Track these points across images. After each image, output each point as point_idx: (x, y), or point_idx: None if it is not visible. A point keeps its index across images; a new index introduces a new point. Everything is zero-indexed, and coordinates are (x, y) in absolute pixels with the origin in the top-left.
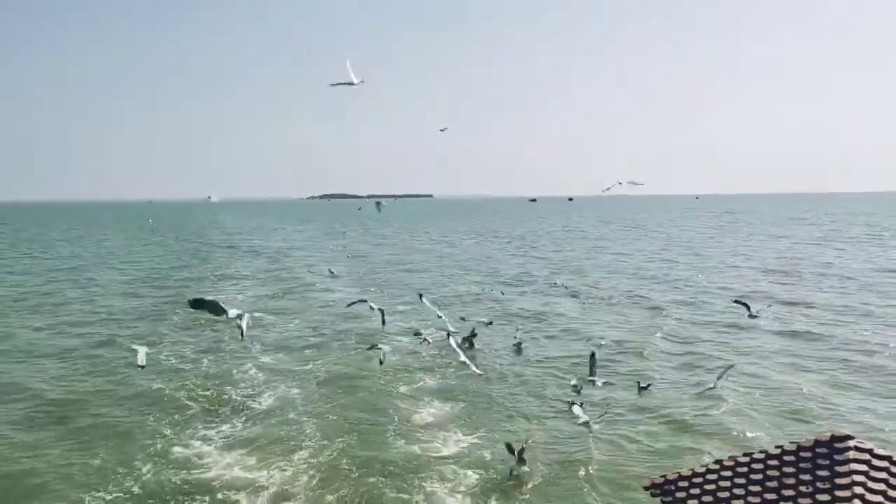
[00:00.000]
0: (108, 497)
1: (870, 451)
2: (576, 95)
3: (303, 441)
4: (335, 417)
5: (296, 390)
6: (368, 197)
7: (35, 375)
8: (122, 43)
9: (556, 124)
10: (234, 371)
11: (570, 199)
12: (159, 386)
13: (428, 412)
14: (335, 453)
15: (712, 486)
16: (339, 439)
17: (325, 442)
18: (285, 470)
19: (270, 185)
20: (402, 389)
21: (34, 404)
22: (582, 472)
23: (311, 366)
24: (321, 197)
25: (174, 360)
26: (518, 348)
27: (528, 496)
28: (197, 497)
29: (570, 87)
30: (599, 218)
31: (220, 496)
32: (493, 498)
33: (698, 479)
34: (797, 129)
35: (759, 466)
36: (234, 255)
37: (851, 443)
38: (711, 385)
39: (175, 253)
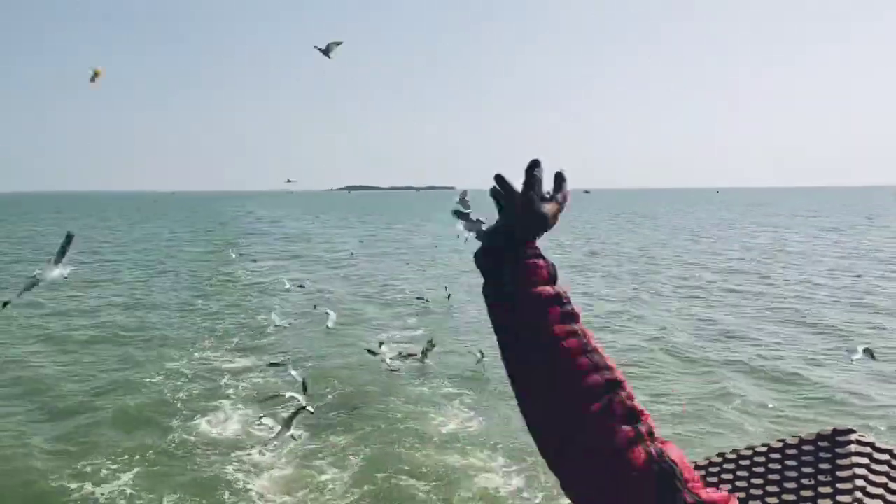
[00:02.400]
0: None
1: (871, 445)
2: (592, 90)
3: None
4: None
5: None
6: (390, 188)
7: None
8: (149, 40)
9: (573, 118)
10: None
11: (587, 192)
12: None
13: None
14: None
15: (714, 479)
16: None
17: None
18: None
19: (293, 177)
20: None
21: None
22: None
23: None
24: (344, 189)
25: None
26: None
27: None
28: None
29: (587, 82)
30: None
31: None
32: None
33: (700, 472)
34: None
35: (762, 459)
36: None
37: (853, 436)
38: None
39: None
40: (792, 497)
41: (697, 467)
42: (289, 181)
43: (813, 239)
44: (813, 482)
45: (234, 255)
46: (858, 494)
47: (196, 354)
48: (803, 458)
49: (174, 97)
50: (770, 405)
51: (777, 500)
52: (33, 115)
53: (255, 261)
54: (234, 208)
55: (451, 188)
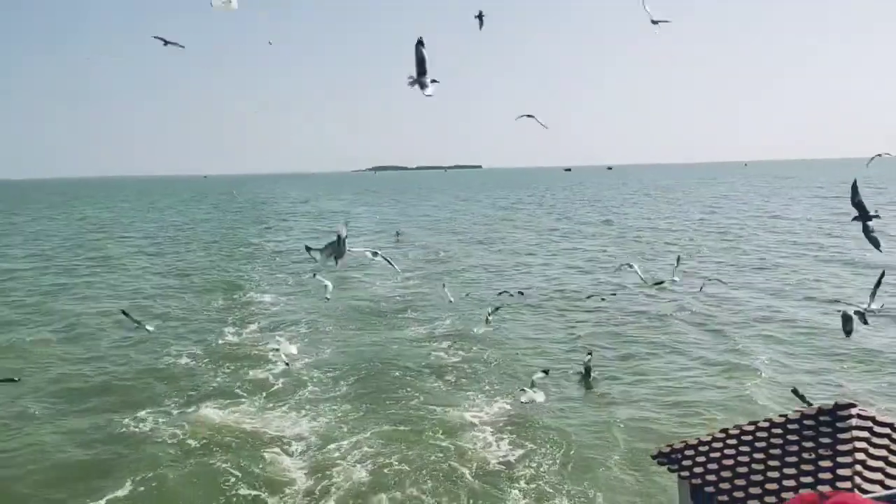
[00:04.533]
0: None
1: (872, 419)
2: (615, 64)
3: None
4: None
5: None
6: (417, 168)
7: None
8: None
9: (593, 94)
10: None
11: (609, 168)
12: None
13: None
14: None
15: (717, 454)
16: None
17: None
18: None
19: (318, 160)
20: None
21: None
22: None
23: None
24: (369, 170)
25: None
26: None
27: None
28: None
29: (610, 56)
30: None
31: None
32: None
33: (704, 448)
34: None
35: (764, 434)
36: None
37: (854, 411)
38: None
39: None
40: (792, 471)
41: (701, 443)
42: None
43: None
44: (813, 456)
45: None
46: (858, 467)
47: None
48: (804, 432)
49: (203, 80)
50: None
51: (778, 474)
52: (59, 103)
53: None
54: (273, 193)
55: (479, 166)
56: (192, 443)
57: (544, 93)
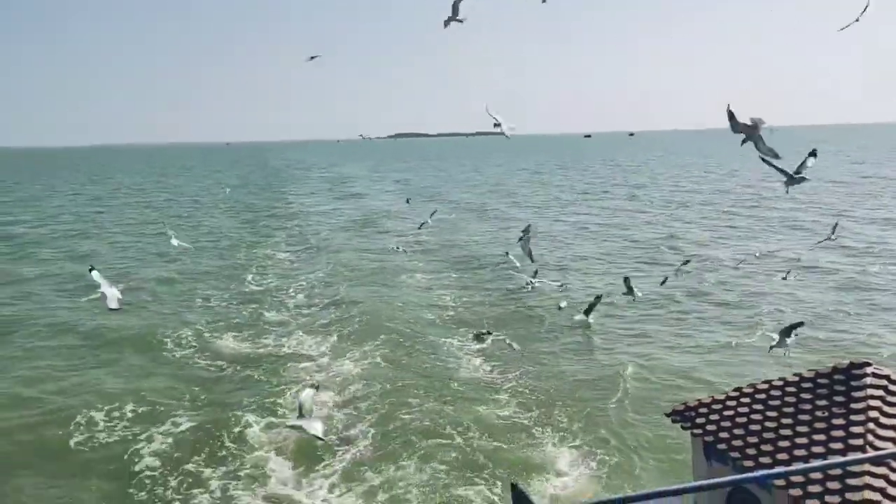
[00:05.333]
0: None
1: (888, 378)
2: (633, 32)
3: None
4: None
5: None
6: (437, 135)
7: None
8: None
9: (613, 61)
10: None
11: (631, 135)
12: None
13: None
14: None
15: (731, 412)
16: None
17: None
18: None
19: (341, 127)
20: None
21: None
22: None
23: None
24: (390, 137)
25: None
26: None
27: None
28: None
29: (629, 24)
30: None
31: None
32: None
33: (717, 406)
34: None
35: (777, 393)
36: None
37: (869, 369)
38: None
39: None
40: (805, 428)
41: (715, 401)
42: (361, 136)
43: None
44: (826, 413)
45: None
46: (871, 425)
47: None
48: (818, 390)
49: (215, 50)
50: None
51: (791, 433)
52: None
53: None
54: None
55: (502, 133)
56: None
57: (566, 57)
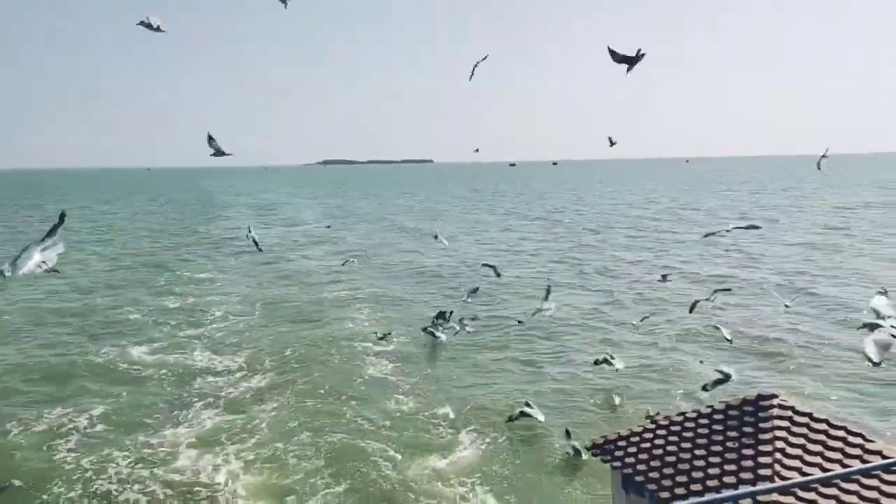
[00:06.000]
0: None
1: (792, 409)
2: (560, 61)
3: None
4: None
5: None
6: (368, 162)
7: None
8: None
9: (529, 89)
10: None
11: (555, 164)
12: None
13: None
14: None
15: (647, 444)
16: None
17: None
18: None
19: (269, 153)
20: None
21: None
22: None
23: None
24: (319, 163)
25: None
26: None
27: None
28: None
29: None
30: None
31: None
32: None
33: (635, 438)
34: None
35: (691, 425)
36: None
37: (776, 401)
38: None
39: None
40: (717, 459)
41: (633, 434)
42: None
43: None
44: (737, 444)
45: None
46: (778, 455)
47: None
48: (729, 422)
49: (146, 71)
50: None
51: (704, 463)
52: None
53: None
54: (233, 188)
55: (430, 160)
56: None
57: (504, 85)
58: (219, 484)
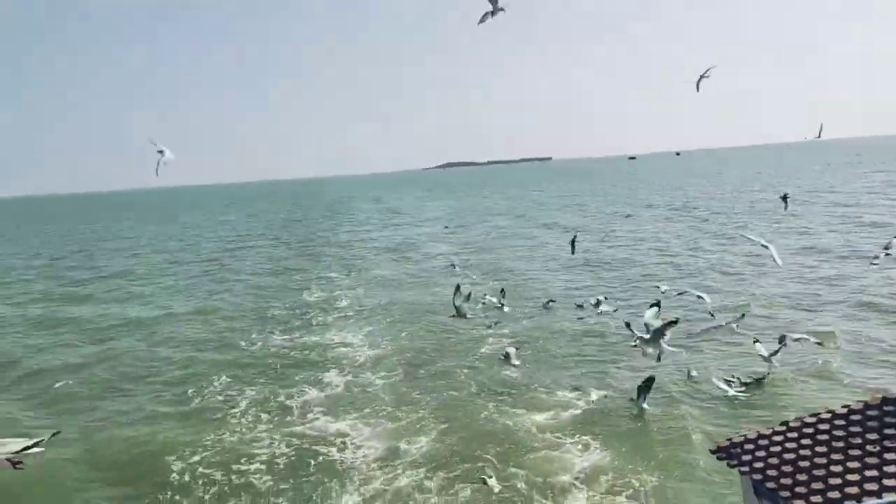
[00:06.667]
0: None
1: None
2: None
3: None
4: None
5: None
6: (487, 163)
7: None
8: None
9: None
10: None
11: (678, 154)
12: None
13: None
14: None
15: (778, 448)
16: None
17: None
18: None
19: (396, 157)
20: None
21: None
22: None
23: None
24: (439, 167)
25: None
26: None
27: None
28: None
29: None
30: None
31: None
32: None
33: (764, 441)
34: None
35: (825, 427)
36: None
37: None
38: None
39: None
40: (856, 464)
41: (761, 436)
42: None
43: None
44: (878, 448)
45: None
46: None
47: None
48: (868, 423)
49: (262, 91)
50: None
51: (841, 468)
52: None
53: None
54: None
55: (549, 158)
56: None
57: (615, 81)
58: (343, 433)
